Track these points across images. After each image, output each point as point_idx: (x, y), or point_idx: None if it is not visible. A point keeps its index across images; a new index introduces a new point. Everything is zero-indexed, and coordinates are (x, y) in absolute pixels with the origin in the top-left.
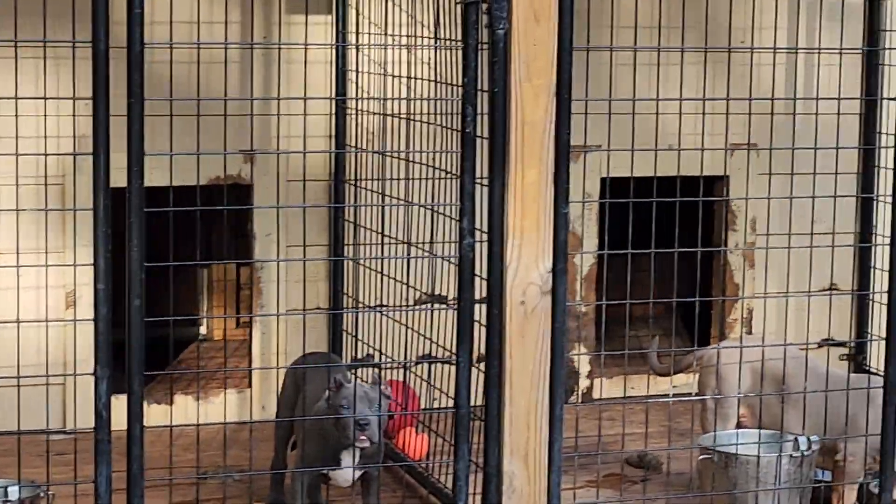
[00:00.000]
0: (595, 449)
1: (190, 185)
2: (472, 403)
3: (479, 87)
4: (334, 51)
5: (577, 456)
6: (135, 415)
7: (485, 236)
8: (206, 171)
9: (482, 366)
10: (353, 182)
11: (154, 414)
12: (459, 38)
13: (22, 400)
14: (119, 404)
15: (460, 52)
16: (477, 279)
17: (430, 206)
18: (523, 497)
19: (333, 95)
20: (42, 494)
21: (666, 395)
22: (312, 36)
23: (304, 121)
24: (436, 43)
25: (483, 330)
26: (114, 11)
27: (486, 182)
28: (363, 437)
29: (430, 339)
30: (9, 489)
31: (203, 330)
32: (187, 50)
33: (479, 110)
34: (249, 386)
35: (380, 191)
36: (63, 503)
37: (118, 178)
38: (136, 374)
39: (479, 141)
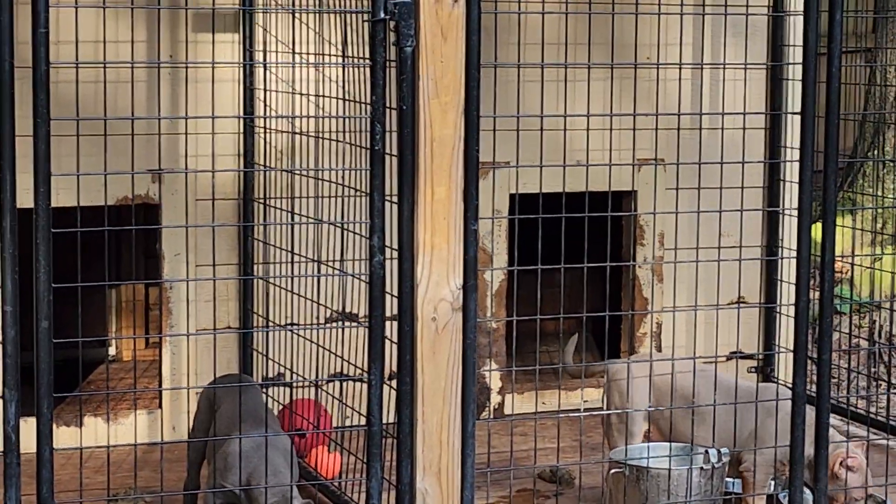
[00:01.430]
0: (507, 464)
1: (98, 206)
2: (384, 421)
3: (387, 104)
4: (242, 69)
5: (490, 472)
6: (44, 437)
7: (395, 253)
8: (113, 190)
9: (394, 383)
10: (262, 200)
11: (63, 436)
12: (367, 55)
13: None
14: (28, 427)
15: (368, 70)
16: (388, 296)
17: (339, 224)
18: None
19: (241, 114)
20: None
21: (577, 410)
22: (219, 54)
23: (212, 139)
24: (344, 60)
25: (394, 347)
26: (18, 31)
27: (395, 199)
28: None
29: (341, 357)
30: None
31: (112, 351)
32: (93, 70)
33: (387, 127)
34: (160, 407)
35: (289, 209)
36: None
37: (24, 199)
38: (44, 396)
39: (388, 158)
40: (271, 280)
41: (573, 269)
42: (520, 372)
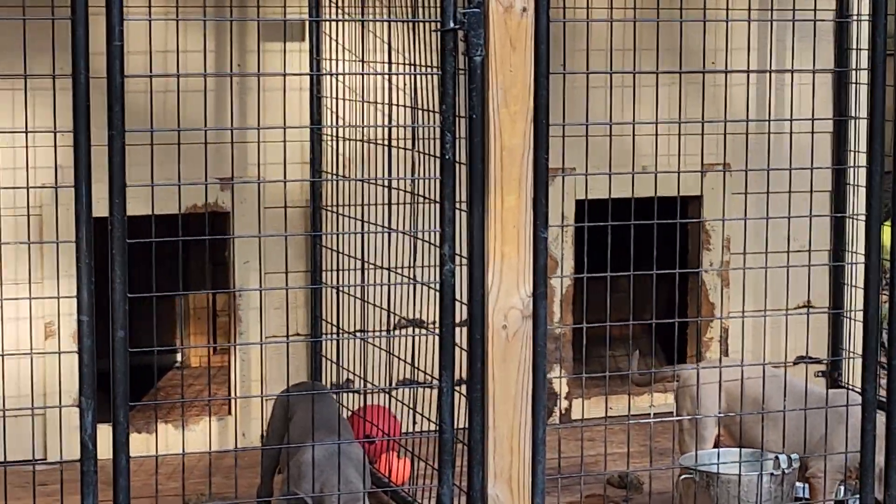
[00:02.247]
0: (577, 470)
1: (168, 214)
2: (455, 427)
3: (456, 112)
4: (310, 78)
5: (560, 478)
6: (120, 445)
7: (464, 261)
8: (184, 199)
9: (464, 389)
10: (330, 209)
11: (135, 442)
12: (436, 64)
13: (3, 431)
14: (103, 434)
15: (437, 79)
16: (458, 304)
17: (409, 233)
18: None
19: (309, 123)
20: None
21: (647, 416)
22: (288, 63)
23: (283, 148)
24: (413, 70)
25: (464, 354)
26: (93, 43)
27: (464, 207)
28: None
29: (412, 364)
30: None
31: (179, 357)
32: (163, 80)
33: (457, 136)
34: (229, 413)
35: (359, 217)
36: None
37: (99, 209)
38: (120, 404)
39: (457, 167)
40: (341, 288)
41: (640, 274)
42: (587, 377)
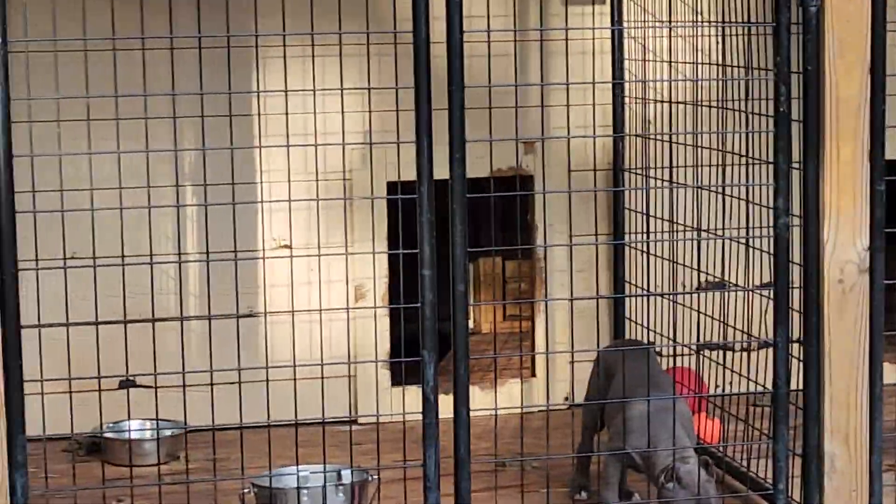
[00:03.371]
0: None
1: (474, 178)
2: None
3: (788, 66)
4: (612, 39)
5: None
6: (461, 399)
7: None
8: (487, 162)
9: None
10: (636, 170)
11: (446, 403)
12: (760, 19)
13: (311, 393)
14: (411, 394)
15: (748, 38)
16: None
17: (717, 190)
18: (845, 478)
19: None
20: (370, 479)
21: None
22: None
23: (593, 110)
24: (743, 28)
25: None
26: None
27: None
28: None
29: (723, 322)
30: (342, 472)
31: (471, 324)
32: (478, 44)
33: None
34: (533, 375)
35: (664, 178)
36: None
37: (406, 172)
38: (461, 358)
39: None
40: (635, 247)
41: None
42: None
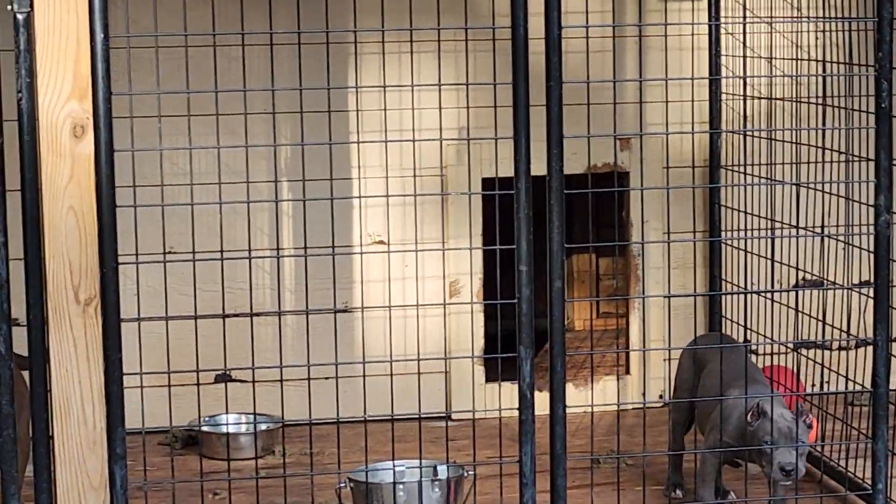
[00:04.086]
0: None
1: (570, 174)
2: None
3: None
4: (708, 35)
5: None
6: (557, 395)
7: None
8: (585, 160)
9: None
10: (734, 167)
11: (540, 399)
12: (861, 15)
13: (406, 387)
14: (506, 390)
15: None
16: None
17: (816, 188)
18: None
19: (709, 81)
20: (465, 475)
21: None
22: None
23: (691, 106)
24: (843, 23)
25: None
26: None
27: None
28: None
29: (822, 321)
30: (438, 468)
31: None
32: (575, 40)
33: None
34: (627, 373)
35: (761, 175)
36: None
37: (503, 168)
38: (557, 355)
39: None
40: (732, 244)
41: None
42: None
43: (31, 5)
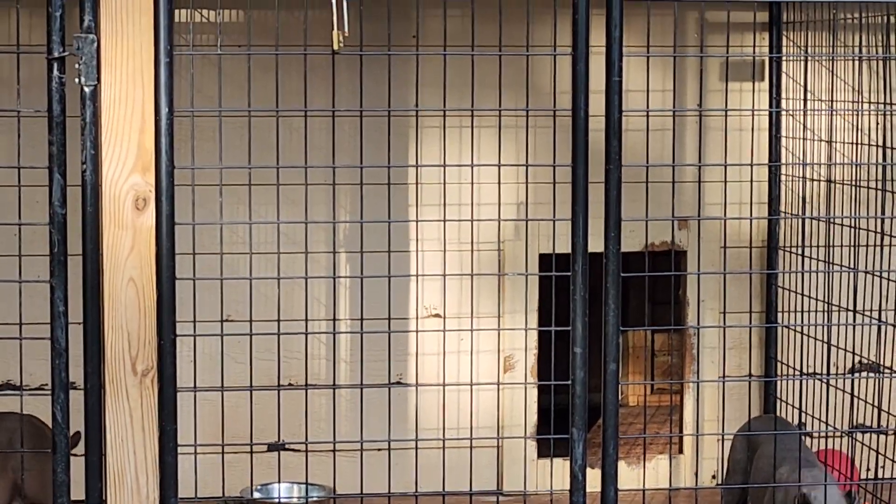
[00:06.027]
0: None
1: (627, 251)
2: None
3: None
4: (769, 117)
5: None
6: (609, 477)
7: None
8: (643, 237)
9: None
10: (791, 249)
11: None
12: None
13: (458, 462)
14: (557, 466)
15: None
16: None
17: (877, 273)
18: None
19: (768, 162)
20: None
21: None
22: (745, 103)
23: (750, 187)
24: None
25: None
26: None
27: None
28: None
29: (878, 407)
30: None
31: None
32: (635, 118)
33: None
34: (680, 452)
35: (817, 257)
36: None
37: (560, 244)
38: (611, 437)
39: None
40: (795, 328)
41: None
42: None
43: (98, 78)
